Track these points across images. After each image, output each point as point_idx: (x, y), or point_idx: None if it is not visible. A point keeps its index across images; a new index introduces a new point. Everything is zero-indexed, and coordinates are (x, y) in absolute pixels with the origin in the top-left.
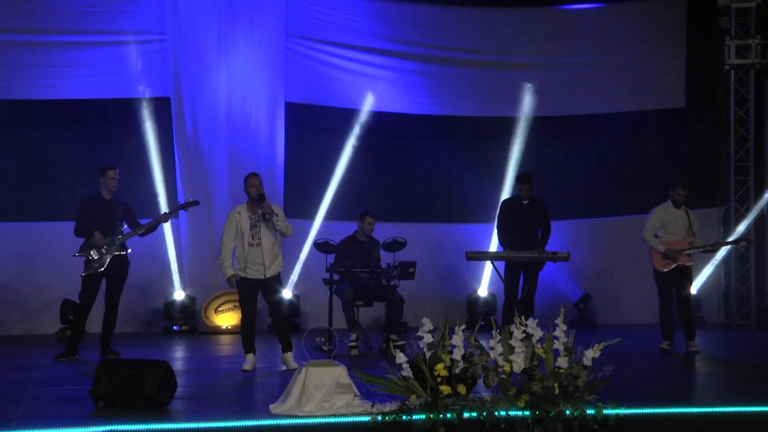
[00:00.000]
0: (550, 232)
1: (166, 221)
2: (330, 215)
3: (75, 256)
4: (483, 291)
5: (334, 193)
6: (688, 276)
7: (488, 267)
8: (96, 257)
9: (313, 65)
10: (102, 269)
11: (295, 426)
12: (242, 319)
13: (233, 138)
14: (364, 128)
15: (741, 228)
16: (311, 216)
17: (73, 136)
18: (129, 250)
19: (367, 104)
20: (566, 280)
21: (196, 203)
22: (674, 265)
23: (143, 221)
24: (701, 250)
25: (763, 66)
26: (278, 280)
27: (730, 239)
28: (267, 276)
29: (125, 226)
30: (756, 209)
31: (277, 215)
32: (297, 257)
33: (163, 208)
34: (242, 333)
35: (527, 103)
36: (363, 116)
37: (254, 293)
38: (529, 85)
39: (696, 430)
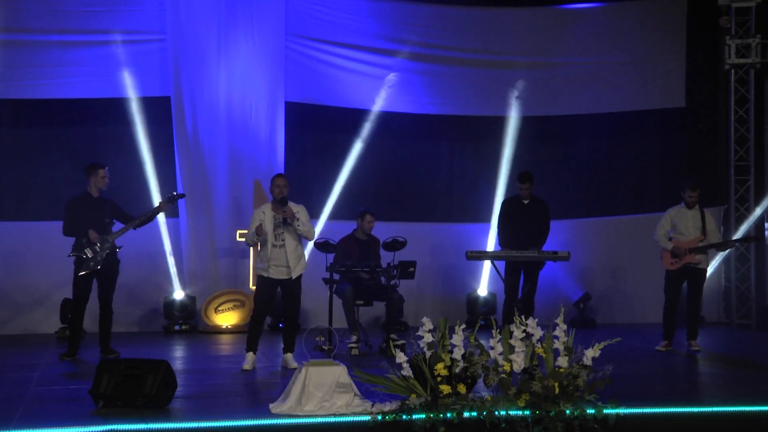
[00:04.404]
0: (548, 232)
1: (160, 212)
2: (330, 215)
3: (69, 256)
4: (483, 291)
5: (334, 192)
6: (699, 276)
7: (488, 266)
8: (91, 255)
9: (314, 65)
10: (99, 267)
11: (295, 426)
12: (252, 316)
13: (233, 138)
14: (365, 128)
15: (742, 227)
16: (312, 215)
17: (72, 135)
18: (120, 247)
19: (368, 104)
20: (566, 279)
21: (182, 195)
22: (682, 264)
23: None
24: (710, 248)
25: (764, 65)
26: (300, 283)
27: (739, 237)
28: (293, 277)
29: (115, 223)
30: (760, 209)
31: (299, 219)
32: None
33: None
34: (249, 329)
35: (514, 108)
36: (363, 116)
37: (272, 293)
38: (516, 93)
39: (696, 429)
